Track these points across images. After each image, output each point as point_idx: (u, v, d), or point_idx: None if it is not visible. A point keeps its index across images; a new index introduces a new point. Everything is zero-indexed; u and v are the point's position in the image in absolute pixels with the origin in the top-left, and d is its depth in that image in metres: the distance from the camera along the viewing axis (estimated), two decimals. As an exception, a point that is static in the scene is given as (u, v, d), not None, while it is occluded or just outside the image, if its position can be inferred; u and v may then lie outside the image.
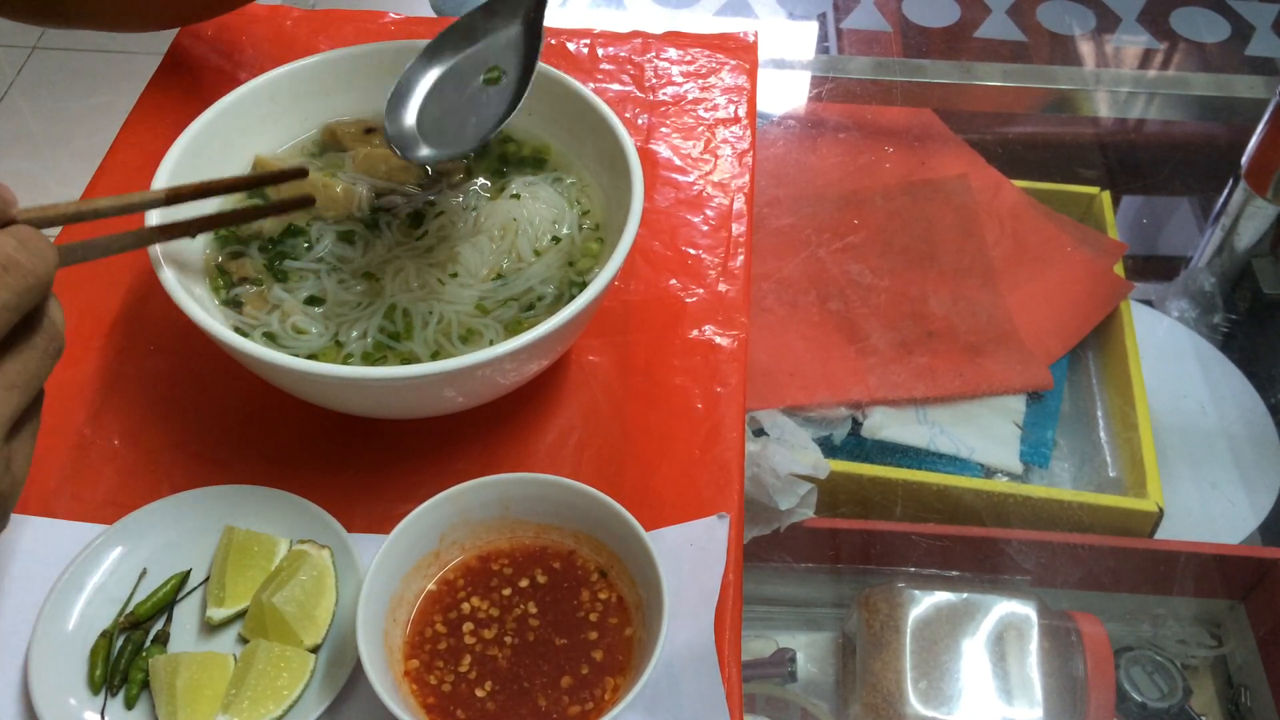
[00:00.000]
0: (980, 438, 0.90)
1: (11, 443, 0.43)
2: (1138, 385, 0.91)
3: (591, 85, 0.77)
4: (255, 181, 0.66)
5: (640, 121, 0.87)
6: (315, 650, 0.57)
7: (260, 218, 0.67)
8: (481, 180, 0.73)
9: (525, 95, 0.64)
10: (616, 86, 0.90)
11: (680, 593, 0.59)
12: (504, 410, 0.68)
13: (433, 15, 1.17)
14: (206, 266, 0.67)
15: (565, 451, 0.67)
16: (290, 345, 0.63)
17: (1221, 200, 1.10)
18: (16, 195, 0.45)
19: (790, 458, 0.78)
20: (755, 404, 0.87)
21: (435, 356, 0.63)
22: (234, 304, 0.65)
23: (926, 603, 0.79)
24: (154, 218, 0.61)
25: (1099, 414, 0.95)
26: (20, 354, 0.43)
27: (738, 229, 0.79)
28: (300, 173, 0.68)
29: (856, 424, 0.90)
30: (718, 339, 0.73)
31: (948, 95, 1.21)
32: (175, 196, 0.59)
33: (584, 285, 0.61)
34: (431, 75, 0.68)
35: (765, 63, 1.13)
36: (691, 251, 0.78)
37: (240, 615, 0.59)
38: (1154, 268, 1.12)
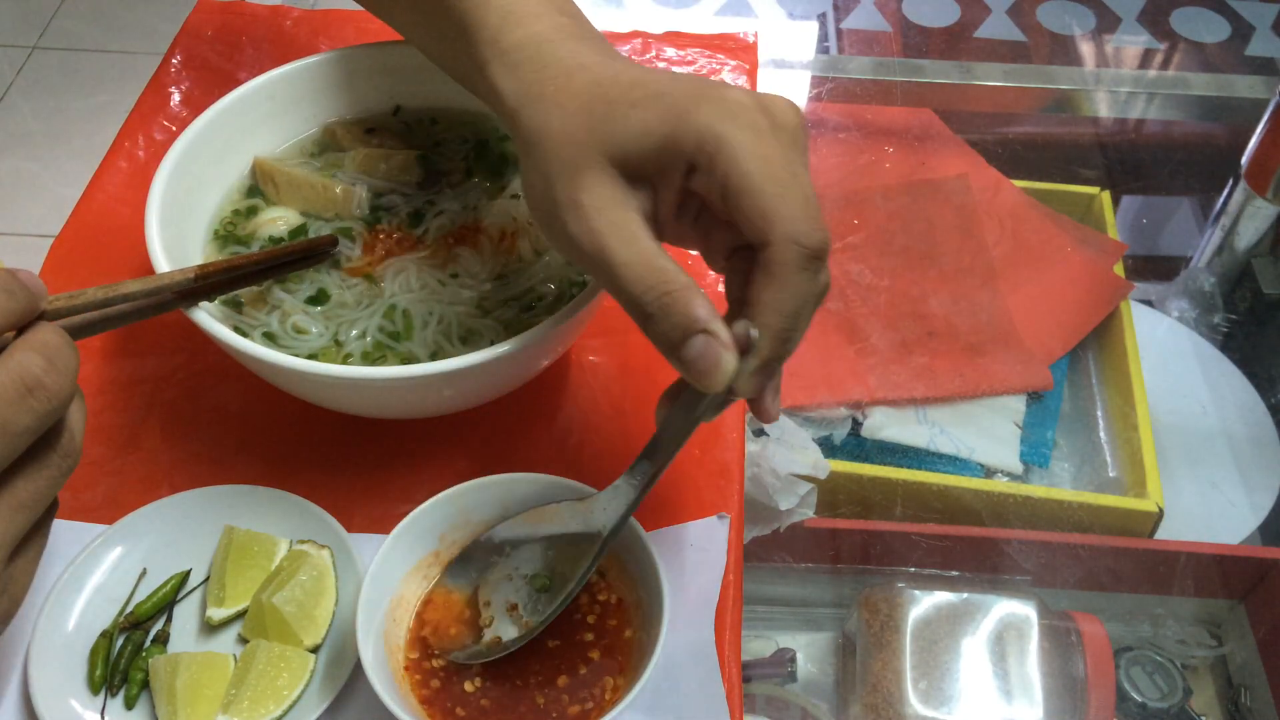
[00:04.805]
0: (980, 438, 0.90)
1: (15, 563, 0.41)
2: (1138, 385, 0.91)
3: (591, 85, 0.78)
4: (283, 254, 0.65)
5: (640, 121, 0.87)
6: (315, 650, 0.57)
7: (279, 274, 0.65)
8: (481, 180, 0.73)
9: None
10: (616, 86, 0.90)
11: (680, 593, 0.59)
12: (504, 410, 0.68)
13: (433, 15, 1.17)
14: (206, 266, 0.67)
15: (565, 451, 0.67)
16: (290, 345, 0.63)
17: (1221, 200, 1.10)
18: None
19: (790, 458, 0.78)
20: (755, 404, 0.87)
21: (434, 356, 0.63)
22: (234, 304, 0.65)
23: (926, 603, 0.79)
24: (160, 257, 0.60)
25: (1099, 414, 0.95)
26: (33, 473, 0.41)
27: (738, 229, 0.79)
28: (331, 241, 0.67)
29: (856, 424, 0.90)
30: (718, 339, 0.73)
31: (948, 95, 1.21)
32: (203, 276, 0.59)
33: (584, 285, 0.61)
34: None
35: (765, 63, 1.13)
36: (692, 251, 0.78)
37: (240, 615, 0.59)
38: (1154, 268, 1.12)
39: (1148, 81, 1.27)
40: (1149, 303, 1.07)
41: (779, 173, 0.46)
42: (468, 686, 0.54)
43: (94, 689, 0.56)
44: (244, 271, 0.62)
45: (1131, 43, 1.35)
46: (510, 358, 0.57)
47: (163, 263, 0.60)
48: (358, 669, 0.55)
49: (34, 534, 0.43)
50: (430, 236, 0.69)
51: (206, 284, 0.60)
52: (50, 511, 0.43)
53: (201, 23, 0.92)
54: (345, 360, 0.63)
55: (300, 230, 0.70)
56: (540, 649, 0.55)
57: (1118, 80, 1.27)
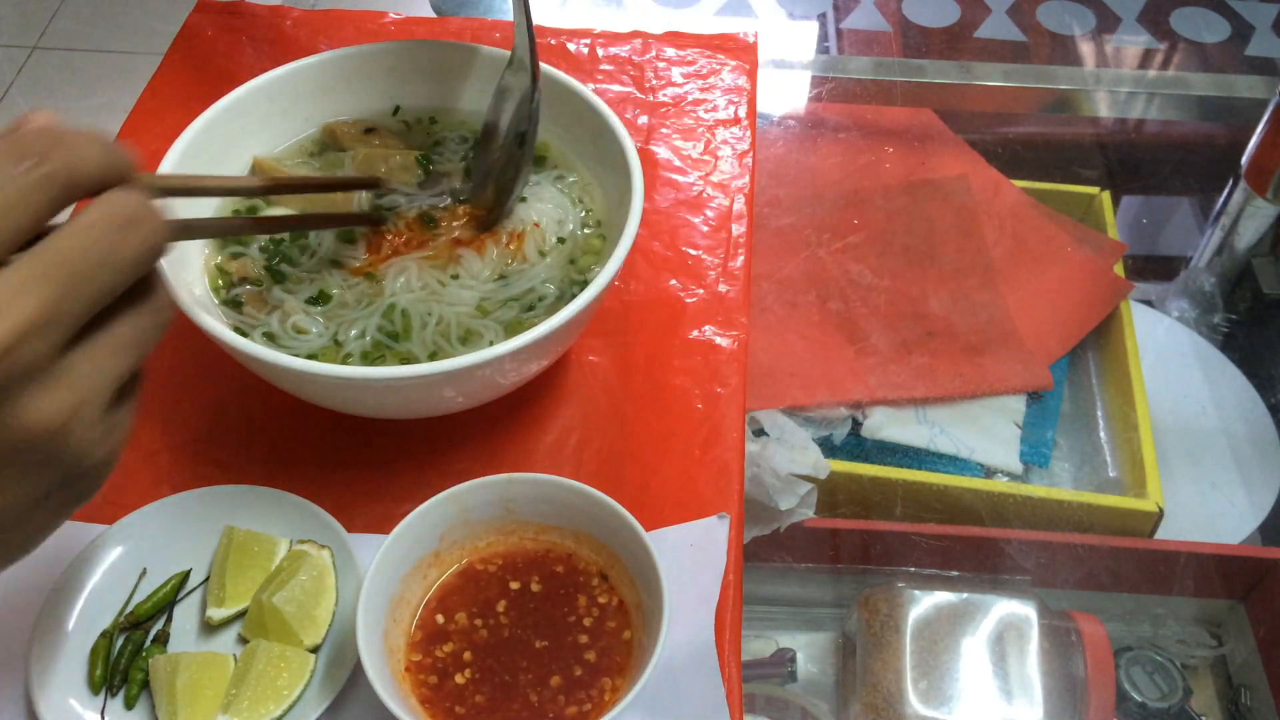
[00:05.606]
0: (980, 438, 0.90)
1: (117, 412, 0.40)
2: (1138, 385, 0.91)
3: (592, 86, 0.77)
4: (332, 183, 0.70)
5: (640, 122, 0.87)
6: (315, 650, 0.57)
7: (322, 226, 0.69)
8: (481, 180, 0.73)
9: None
10: (617, 87, 0.90)
11: (680, 593, 0.59)
12: (504, 410, 0.68)
13: (433, 15, 1.17)
14: (206, 266, 0.67)
15: (565, 451, 0.67)
16: (290, 345, 0.63)
17: (1221, 200, 1.10)
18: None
19: (790, 458, 0.78)
20: (755, 404, 0.87)
21: (434, 357, 0.63)
22: (234, 304, 0.65)
23: (926, 603, 0.79)
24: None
25: (1099, 414, 0.95)
26: (132, 317, 0.39)
27: (738, 229, 0.79)
28: (373, 182, 0.71)
29: (856, 424, 0.90)
30: (718, 339, 0.73)
31: (948, 95, 1.21)
32: (271, 189, 0.63)
33: (584, 284, 0.61)
34: None
35: (765, 63, 1.13)
36: (691, 252, 0.78)
37: (240, 615, 0.59)
38: (1154, 268, 1.12)
39: (1148, 81, 1.27)
40: (1149, 303, 1.07)
41: None
42: (459, 679, 0.54)
43: (94, 689, 0.56)
44: (294, 190, 0.67)
45: (1131, 43, 1.35)
46: (510, 358, 0.57)
47: (164, 263, 0.60)
48: (358, 669, 0.55)
49: (131, 386, 0.41)
50: (433, 237, 0.69)
51: (271, 219, 0.66)
52: (142, 372, 0.41)
53: (201, 23, 0.92)
54: (345, 360, 0.63)
55: (300, 232, 0.69)
56: (542, 651, 0.55)
57: (1118, 80, 1.26)
